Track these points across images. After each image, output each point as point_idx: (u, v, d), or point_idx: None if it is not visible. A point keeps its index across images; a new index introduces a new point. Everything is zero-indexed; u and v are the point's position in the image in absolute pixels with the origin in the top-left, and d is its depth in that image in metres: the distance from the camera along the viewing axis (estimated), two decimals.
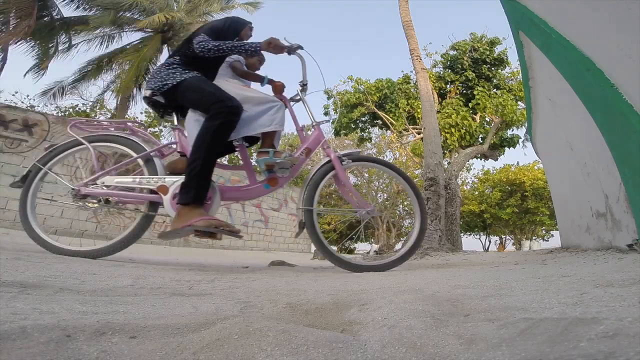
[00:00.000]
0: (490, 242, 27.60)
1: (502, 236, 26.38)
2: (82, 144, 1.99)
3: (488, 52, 9.95)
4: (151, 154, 2.01)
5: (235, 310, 0.90)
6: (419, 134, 9.83)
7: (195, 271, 1.97)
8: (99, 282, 1.27)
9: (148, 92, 1.92)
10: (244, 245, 10.02)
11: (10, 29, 9.39)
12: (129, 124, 2.22)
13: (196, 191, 1.60)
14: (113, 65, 11.99)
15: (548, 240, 25.01)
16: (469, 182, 24.44)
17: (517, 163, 22.22)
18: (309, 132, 2.34)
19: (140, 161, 2.00)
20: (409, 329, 0.65)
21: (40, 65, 10.75)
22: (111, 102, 16.02)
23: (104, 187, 1.93)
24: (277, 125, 2.03)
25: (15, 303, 0.79)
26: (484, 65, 10.01)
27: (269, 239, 10.91)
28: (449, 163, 9.16)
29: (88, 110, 15.99)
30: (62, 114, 15.38)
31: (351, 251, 28.41)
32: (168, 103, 1.97)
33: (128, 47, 12.00)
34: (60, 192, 6.56)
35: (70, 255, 1.85)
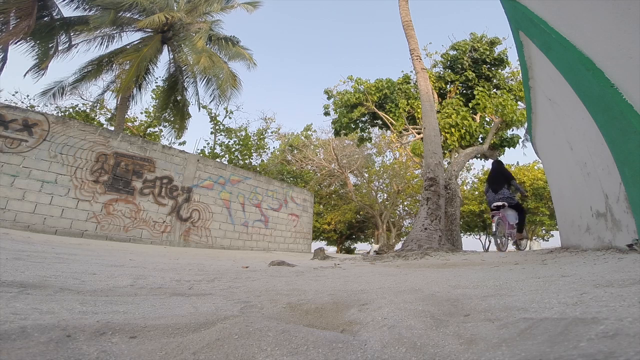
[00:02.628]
0: (490, 242, 27.63)
1: None
2: None
3: (488, 52, 9.95)
4: None
5: (235, 310, 0.90)
6: (419, 134, 9.83)
7: (195, 271, 1.97)
8: (99, 282, 1.27)
9: (506, 203, 5.16)
10: (244, 245, 10.02)
11: (10, 29, 9.38)
12: None
13: (523, 228, 5.25)
14: (113, 65, 11.98)
15: (548, 240, 25.06)
16: (469, 182, 24.46)
17: (517, 163, 22.22)
18: None
19: None
20: (409, 329, 0.65)
21: (40, 65, 10.73)
22: (111, 102, 16.04)
23: None
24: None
25: (15, 303, 0.79)
26: (484, 65, 10.01)
27: (269, 239, 10.89)
28: (449, 163, 9.16)
29: (88, 111, 15.98)
30: (62, 114, 15.37)
31: (351, 251, 28.43)
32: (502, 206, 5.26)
33: (128, 47, 12.00)
34: (60, 192, 6.58)
35: None
